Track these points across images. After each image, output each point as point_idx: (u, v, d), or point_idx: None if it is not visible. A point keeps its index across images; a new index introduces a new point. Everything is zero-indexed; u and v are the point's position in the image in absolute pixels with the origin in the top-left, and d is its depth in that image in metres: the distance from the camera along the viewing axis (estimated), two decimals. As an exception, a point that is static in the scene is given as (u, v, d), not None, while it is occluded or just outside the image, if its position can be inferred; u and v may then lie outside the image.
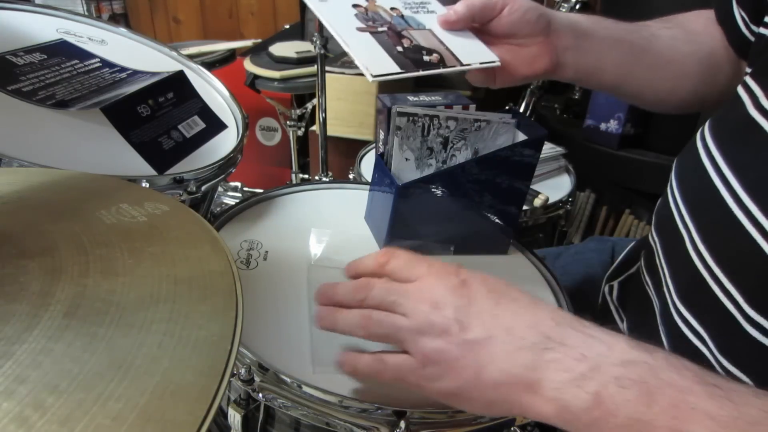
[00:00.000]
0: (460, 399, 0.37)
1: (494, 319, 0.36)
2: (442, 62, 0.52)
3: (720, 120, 0.49)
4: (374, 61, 0.48)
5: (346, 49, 0.48)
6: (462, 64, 0.53)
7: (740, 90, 0.47)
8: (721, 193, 0.44)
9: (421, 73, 0.49)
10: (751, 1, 0.53)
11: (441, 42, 0.53)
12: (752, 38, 0.53)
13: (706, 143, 0.49)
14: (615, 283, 0.64)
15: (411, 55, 0.51)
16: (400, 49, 0.50)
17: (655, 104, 0.64)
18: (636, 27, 0.58)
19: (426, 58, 0.51)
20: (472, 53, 0.54)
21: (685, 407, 0.29)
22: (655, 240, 0.55)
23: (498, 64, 0.54)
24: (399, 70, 0.49)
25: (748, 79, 0.46)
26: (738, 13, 0.55)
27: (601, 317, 0.65)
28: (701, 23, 0.60)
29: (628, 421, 0.30)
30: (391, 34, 0.51)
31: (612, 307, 0.63)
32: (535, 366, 0.34)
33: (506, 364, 0.34)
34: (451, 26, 0.53)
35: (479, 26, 0.56)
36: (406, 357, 0.38)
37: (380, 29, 0.50)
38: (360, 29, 0.49)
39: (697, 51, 0.59)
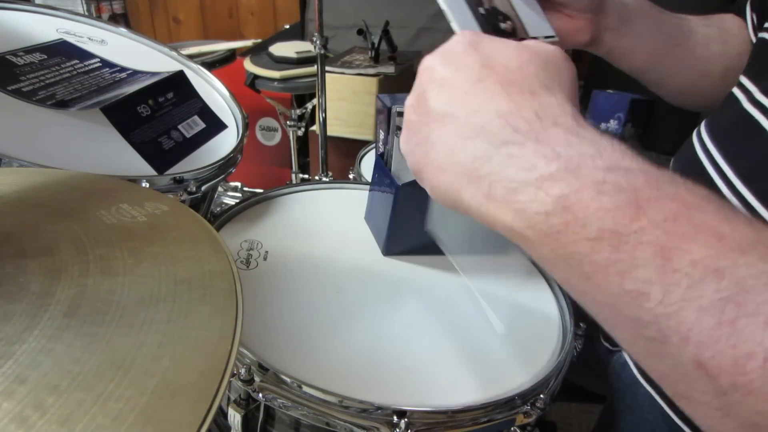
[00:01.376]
0: (419, 177, 0.33)
1: (464, 96, 0.30)
2: (514, 32, 0.52)
3: (715, 117, 0.51)
4: (467, 25, 0.47)
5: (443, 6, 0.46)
6: (528, 36, 0.52)
7: (735, 90, 0.48)
8: (716, 184, 0.45)
9: None
10: (760, 5, 0.54)
11: (512, 6, 0.52)
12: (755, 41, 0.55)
13: (702, 139, 0.50)
14: None
15: (491, 20, 0.48)
16: (482, 10, 0.49)
17: (675, 96, 0.65)
18: (677, 20, 0.58)
19: (502, 26, 0.50)
20: (536, 24, 0.53)
21: (685, 222, 0.23)
22: None
23: (557, 39, 0.52)
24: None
25: (743, 78, 0.48)
26: (749, 15, 0.56)
27: None
28: (735, 25, 0.61)
29: (601, 233, 0.24)
30: None
31: None
32: (487, 158, 0.28)
33: (454, 149, 0.29)
34: None
35: None
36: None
37: None
38: None
39: (727, 51, 0.59)
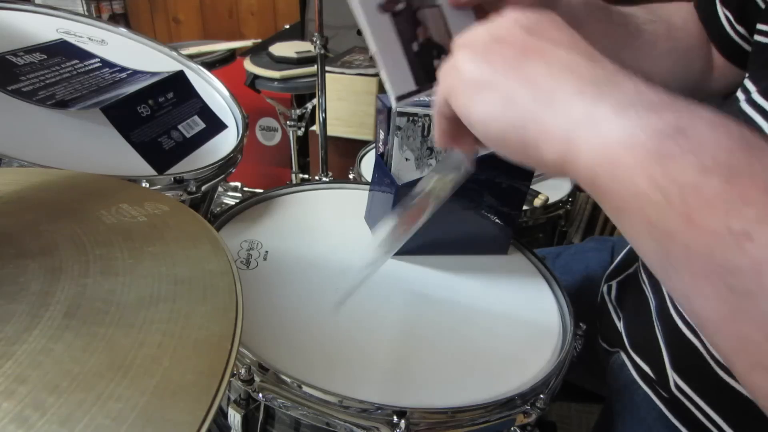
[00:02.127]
0: (477, 89, 0.30)
1: (576, 41, 0.30)
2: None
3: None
4: (396, 75, 0.45)
5: (371, 47, 0.44)
6: None
7: (740, 95, 0.48)
8: None
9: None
10: (735, 1, 0.53)
11: (447, 30, 0.49)
12: (737, 37, 0.54)
13: None
14: (614, 283, 0.64)
15: (425, 59, 0.47)
16: (416, 47, 0.47)
17: None
18: (624, 19, 0.57)
19: (435, 62, 0.48)
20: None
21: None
22: None
23: None
24: (415, 88, 0.47)
25: (746, 80, 0.47)
26: (722, 12, 0.56)
27: (600, 317, 0.65)
28: (682, 17, 0.60)
29: (715, 164, 0.22)
30: (408, 16, 0.46)
31: (610, 307, 0.63)
32: (600, 83, 0.27)
33: (559, 71, 0.28)
34: (463, 4, 0.46)
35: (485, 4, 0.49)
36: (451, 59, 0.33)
37: (399, 7, 0.45)
38: (380, 7, 0.44)
39: (675, 48, 0.58)
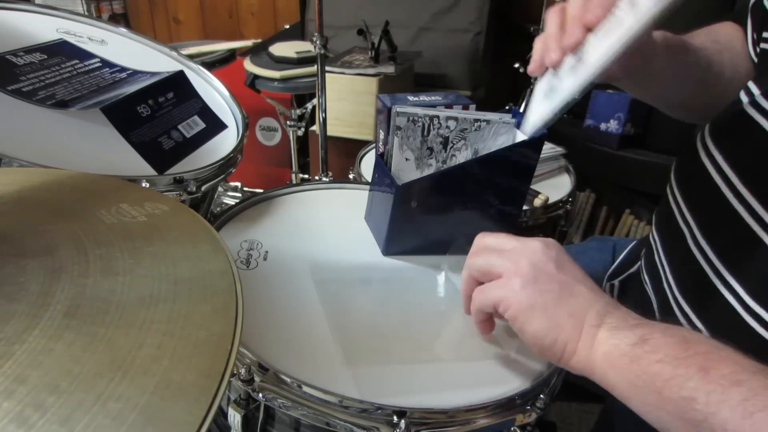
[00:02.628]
0: (533, 312, 0.42)
1: (584, 277, 0.43)
2: None
3: (718, 120, 0.50)
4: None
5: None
6: None
7: (741, 93, 0.49)
8: (720, 188, 0.46)
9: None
10: (761, 12, 0.54)
11: None
12: (754, 52, 0.55)
13: (705, 143, 0.50)
14: (616, 282, 0.64)
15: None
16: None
17: (679, 114, 0.66)
18: (696, 54, 0.57)
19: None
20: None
21: (715, 354, 0.35)
22: (655, 238, 0.55)
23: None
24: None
25: (750, 83, 0.48)
26: (749, 21, 0.56)
27: None
28: (735, 36, 0.60)
29: (666, 357, 0.35)
30: None
31: None
32: (603, 315, 0.40)
33: (583, 304, 0.41)
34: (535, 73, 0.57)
35: None
36: (498, 282, 0.44)
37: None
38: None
39: (735, 76, 0.59)
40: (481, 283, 0.46)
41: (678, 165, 0.55)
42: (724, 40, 0.60)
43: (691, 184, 0.51)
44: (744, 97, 0.47)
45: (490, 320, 0.48)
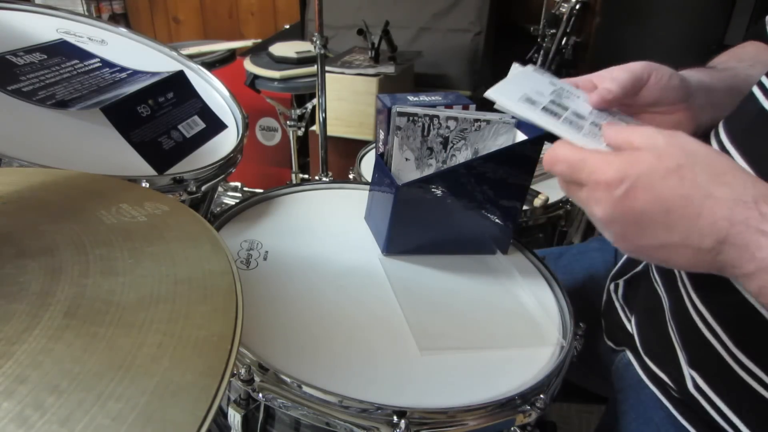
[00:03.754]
0: (671, 216, 0.37)
1: (708, 164, 0.37)
2: None
3: (733, 117, 0.51)
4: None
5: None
6: None
7: (755, 89, 0.48)
8: None
9: None
10: None
11: (611, 114, 0.53)
12: None
13: (720, 139, 0.50)
14: (620, 281, 0.64)
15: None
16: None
17: None
18: (736, 74, 0.58)
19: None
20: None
21: None
22: None
23: None
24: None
25: (764, 78, 0.47)
26: None
27: (606, 315, 0.65)
28: (762, 52, 0.61)
29: None
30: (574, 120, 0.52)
31: (617, 305, 0.63)
32: (747, 208, 0.35)
33: (729, 207, 0.35)
34: (608, 104, 0.52)
35: (627, 100, 0.54)
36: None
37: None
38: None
39: None
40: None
41: None
42: (748, 57, 0.61)
43: None
44: (759, 94, 0.47)
45: None
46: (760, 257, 0.34)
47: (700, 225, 0.36)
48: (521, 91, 0.51)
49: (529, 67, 0.55)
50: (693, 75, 0.56)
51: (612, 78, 0.52)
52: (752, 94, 0.48)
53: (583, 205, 0.41)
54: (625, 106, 0.54)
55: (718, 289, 0.46)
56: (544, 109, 0.49)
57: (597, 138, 0.48)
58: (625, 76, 0.51)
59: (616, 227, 0.39)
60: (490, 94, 0.50)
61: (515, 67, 0.55)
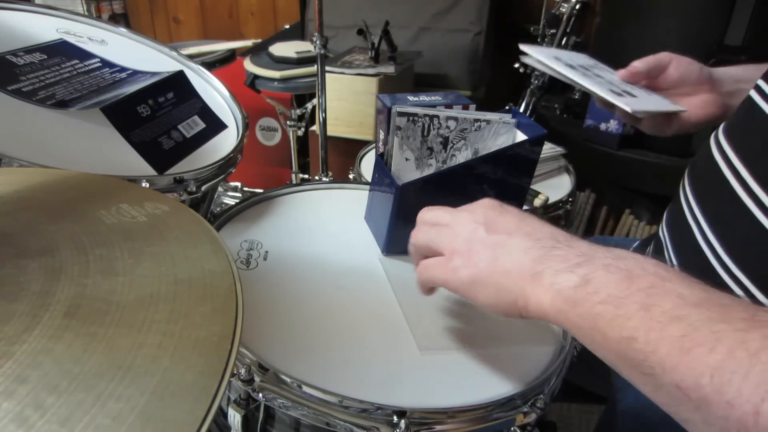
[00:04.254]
0: (475, 286, 0.42)
1: (517, 225, 0.43)
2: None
3: (733, 121, 0.51)
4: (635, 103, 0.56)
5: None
6: (670, 110, 0.61)
7: (753, 93, 0.49)
8: (730, 182, 0.46)
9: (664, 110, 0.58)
10: None
11: (643, 90, 0.62)
12: None
13: (719, 141, 0.50)
14: None
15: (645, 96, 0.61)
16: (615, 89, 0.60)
17: None
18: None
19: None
20: (661, 102, 0.61)
21: (660, 288, 0.33)
22: (665, 235, 0.56)
23: (685, 110, 0.61)
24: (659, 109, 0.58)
25: (761, 82, 0.48)
26: None
27: None
28: None
29: (608, 298, 0.34)
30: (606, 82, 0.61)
31: None
32: (542, 259, 0.39)
33: (519, 257, 0.40)
34: (632, 77, 0.63)
35: (648, 82, 0.65)
36: (439, 257, 0.45)
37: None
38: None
39: None
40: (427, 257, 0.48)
41: (692, 164, 0.56)
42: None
43: (701, 179, 0.52)
44: (758, 98, 0.48)
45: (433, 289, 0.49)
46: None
47: (529, 243, 0.41)
48: (554, 54, 0.59)
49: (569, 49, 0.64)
50: (721, 69, 0.64)
51: (639, 60, 0.63)
52: (750, 98, 0.49)
53: (449, 229, 0.46)
54: (650, 86, 0.63)
55: (709, 282, 0.46)
56: (572, 67, 0.55)
57: (603, 86, 0.53)
58: (650, 58, 0.62)
59: (467, 248, 0.43)
60: (525, 48, 0.56)
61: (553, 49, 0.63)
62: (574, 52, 0.66)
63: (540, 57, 0.56)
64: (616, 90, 0.56)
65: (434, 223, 0.48)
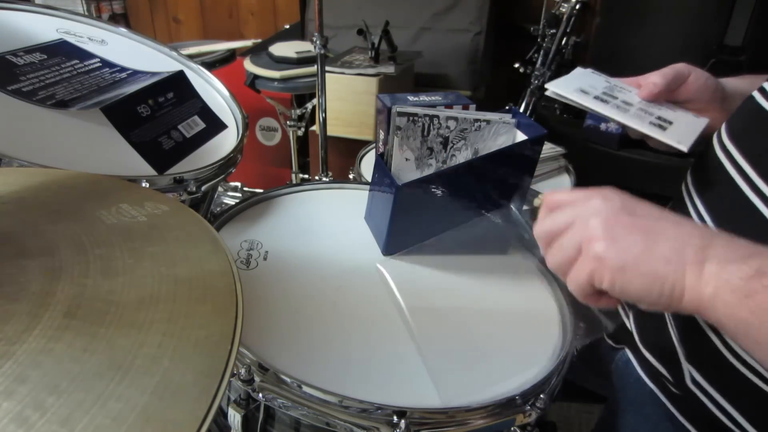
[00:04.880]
0: (626, 274, 0.38)
1: (661, 212, 0.40)
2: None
3: (734, 118, 0.51)
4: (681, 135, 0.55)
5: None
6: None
7: (755, 92, 0.49)
8: (735, 181, 0.46)
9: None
10: None
11: (662, 107, 0.59)
12: None
13: (721, 139, 0.51)
14: None
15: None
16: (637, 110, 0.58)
17: None
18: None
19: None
20: (692, 122, 0.59)
21: None
22: None
23: (707, 121, 0.59)
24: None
25: (765, 83, 0.49)
26: None
27: (604, 311, 0.65)
28: None
29: None
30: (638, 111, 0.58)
31: None
32: (705, 248, 0.37)
33: (678, 243, 0.38)
34: (655, 97, 0.59)
35: (668, 96, 0.61)
36: (571, 246, 0.41)
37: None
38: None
39: None
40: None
41: (695, 165, 0.56)
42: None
43: (706, 180, 0.52)
44: (758, 95, 0.48)
45: (600, 295, 0.43)
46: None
47: (685, 231, 0.39)
48: (576, 84, 0.58)
49: (589, 69, 0.63)
50: (730, 82, 0.61)
51: (657, 73, 0.59)
52: (752, 97, 0.49)
53: (575, 222, 0.42)
54: (666, 100, 0.60)
55: None
56: (596, 97, 0.56)
57: (642, 120, 0.52)
58: (669, 71, 0.58)
59: (610, 233, 0.39)
60: (549, 86, 0.57)
61: (577, 70, 0.63)
62: (590, 70, 0.63)
63: (566, 94, 0.56)
64: (652, 120, 0.55)
65: (562, 205, 0.44)
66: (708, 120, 0.58)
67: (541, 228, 0.45)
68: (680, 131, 0.54)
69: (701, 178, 0.53)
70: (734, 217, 0.47)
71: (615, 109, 0.54)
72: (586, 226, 0.40)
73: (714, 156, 0.51)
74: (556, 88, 0.56)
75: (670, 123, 0.55)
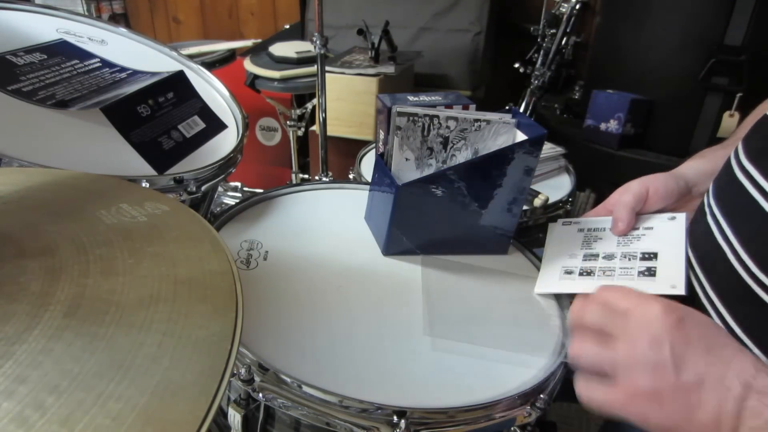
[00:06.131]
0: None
1: (707, 366, 0.39)
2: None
3: (750, 139, 0.52)
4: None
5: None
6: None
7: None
8: (758, 202, 0.46)
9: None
10: None
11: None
12: None
13: (739, 160, 0.51)
14: None
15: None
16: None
17: None
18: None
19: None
20: (673, 233, 0.58)
21: None
22: (689, 255, 0.55)
23: (685, 215, 0.59)
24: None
25: None
26: None
27: None
28: None
29: None
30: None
31: None
32: (737, 413, 0.38)
33: (715, 412, 0.38)
34: (628, 230, 0.60)
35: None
36: (612, 392, 0.41)
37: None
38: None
39: None
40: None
41: (715, 185, 0.55)
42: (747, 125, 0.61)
43: (729, 201, 0.51)
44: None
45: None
46: None
47: (738, 359, 0.39)
48: (558, 266, 0.59)
49: (559, 221, 0.66)
50: (692, 166, 0.63)
51: (620, 204, 0.61)
52: (766, 116, 0.49)
53: (623, 338, 0.42)
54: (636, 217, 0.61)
55: (745, 302, 0.46)
56: (581, 273, 0.57)
57: (630, 275, 0.54)
58: (628, 198, 0.60)
59: (657, 395, 0.40)
60: (537, 290, 0.59)
61: (550, 229, 0.65)
62: (560, 222, 0.66)
63: (556, 290, 0.58)
64: (640, 268, 0.55)
65: (614, 306, 0.43)
66: (685, 213, 0.59)
67: (580, 317, 0.45)
68: (669, 266, 0.54)
69: (723, 197, 0.53)
70: (760, 236, 0.46)
71: (602, 277, 0.55)
72: (634, 360, 0.40)
73: (732, 175, 0.51)
74: (545, 289, 0.58)
75: (655, 256, 0.55)
